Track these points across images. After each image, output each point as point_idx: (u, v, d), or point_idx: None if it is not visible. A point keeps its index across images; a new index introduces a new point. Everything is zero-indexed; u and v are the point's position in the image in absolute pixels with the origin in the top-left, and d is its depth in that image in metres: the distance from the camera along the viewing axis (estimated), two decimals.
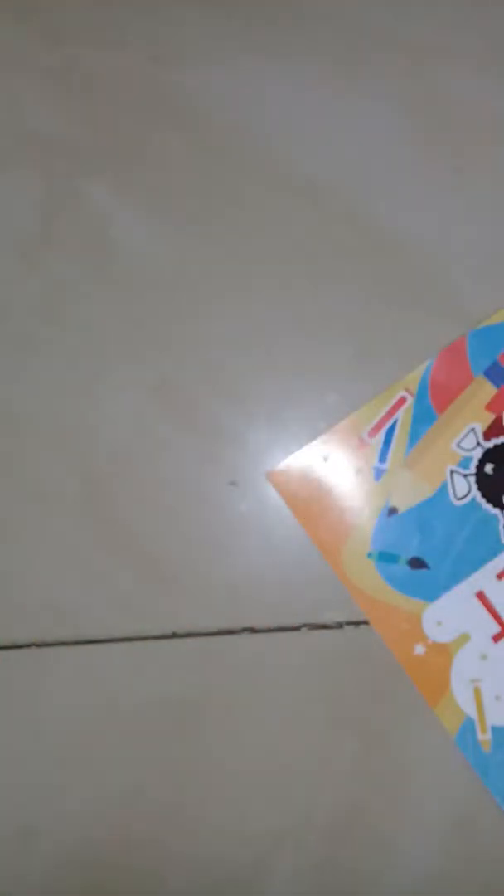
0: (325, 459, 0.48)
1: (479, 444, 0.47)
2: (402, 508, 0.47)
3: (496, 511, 0.47)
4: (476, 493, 0.47)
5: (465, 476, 0.47)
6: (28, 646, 0.49)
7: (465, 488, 0.47)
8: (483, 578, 0.46)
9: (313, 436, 0.48)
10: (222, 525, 0.49)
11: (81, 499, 0.49)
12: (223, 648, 0.48)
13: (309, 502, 0.48)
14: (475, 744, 0.46)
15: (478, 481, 0.47)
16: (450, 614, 0.47)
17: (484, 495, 0.47)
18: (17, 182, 0.50)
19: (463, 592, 0.46)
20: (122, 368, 0.49)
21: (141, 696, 0.48)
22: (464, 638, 0.46)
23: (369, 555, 0.47)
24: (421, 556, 0.47)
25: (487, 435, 0.47)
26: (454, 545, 0.47)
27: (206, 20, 0.50)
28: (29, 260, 0.50)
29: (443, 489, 0.47)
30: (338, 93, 0.50)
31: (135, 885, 0.48)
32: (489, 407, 0.47)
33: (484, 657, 0.46)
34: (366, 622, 0.47)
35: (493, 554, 0.46)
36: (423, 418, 0.47)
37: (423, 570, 0.47)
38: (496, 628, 0.46)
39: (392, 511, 0.47)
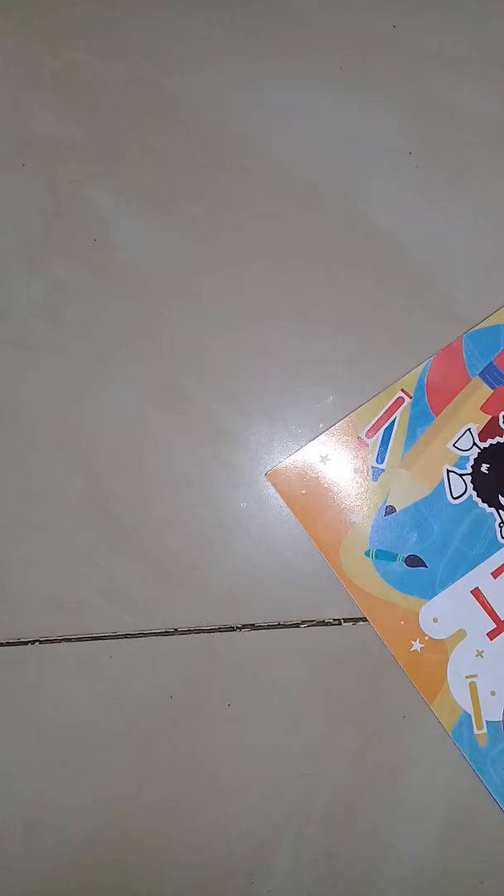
0: (324, 459, 0.49)
1: (474, 444, 0.48)
2: (399, 507, 0.48)
3: (492, 510, 0.47)
4: (472, 493, 0.48)
5: (461, 475, 0.48)
6: (31, 642, 0.49)
7: (461, 487, 0.48)
8: (479, 576, 0.47)
9: (312, 436, 0.49)
10: (222, 523, 0.49)
11: (83, 497, 0.49)
12: (223, 645, 0.48)
13: (308, 501, 0.48)
14: (471, 739, 0.47)
15: (473, 480, 0.48)
16: (446, 611, 0.47)
17: (480, 494, 0.48)
18: (21, 184, 0.51)
19: (459, 590, 0.47)
20: (121, 369, 0.50)
21: (142, 691, 0.49)
22: (460, 634, 0.47)
23: (367, 553, 0.48)
24: (418, 555, 0.48)
25: (483, 435, 0.48)
26: (450, 543, 0.47)
27: (207, 27, 0.51)
28: (31, 261, 0.50)
29: (439, 488, 0.48)
30: (337, 98, 0.50)
31: (135, 880, 0.48)
32: (485, 408, 0.48)
33: (479, 653, 0.47)
34: (364, 619, 0.48)
35: (489, 552, 0.47)
36: (421, 419, 0.48)
37: (420, 568, 0.47)
38: (491, 625, 0.47)
39: (389, 510, 0.48)
